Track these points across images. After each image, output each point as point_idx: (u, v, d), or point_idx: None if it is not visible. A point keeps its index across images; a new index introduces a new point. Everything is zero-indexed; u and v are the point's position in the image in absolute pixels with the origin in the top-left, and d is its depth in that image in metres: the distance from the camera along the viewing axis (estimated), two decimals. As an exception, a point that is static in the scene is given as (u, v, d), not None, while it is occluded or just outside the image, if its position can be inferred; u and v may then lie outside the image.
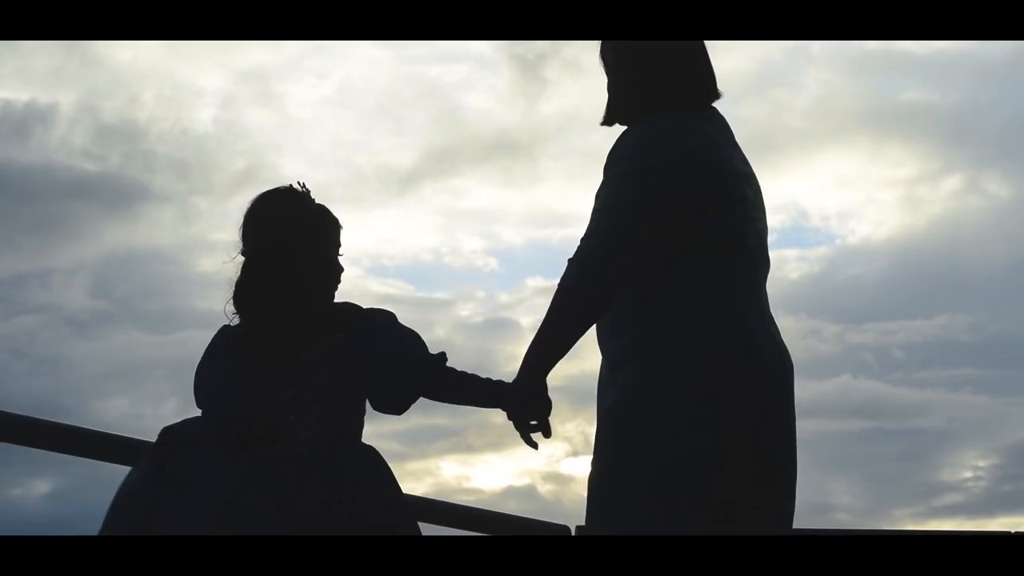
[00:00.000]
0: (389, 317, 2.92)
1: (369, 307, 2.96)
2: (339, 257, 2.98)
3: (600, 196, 2.73)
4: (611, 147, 2.79)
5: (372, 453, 2.88)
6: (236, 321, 2.95)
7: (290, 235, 2.91)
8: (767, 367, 2.69)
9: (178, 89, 15.74)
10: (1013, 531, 4.13)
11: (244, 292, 2.93)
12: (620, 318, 2.72)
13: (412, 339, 2.87)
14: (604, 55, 2.96)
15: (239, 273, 2.95)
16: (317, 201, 2.97)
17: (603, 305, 2.69)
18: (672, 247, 2.66)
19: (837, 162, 17.47)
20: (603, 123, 2.95)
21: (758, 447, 2.62)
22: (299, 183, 2.96)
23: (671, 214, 2.65)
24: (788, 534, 2.71)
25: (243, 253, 2.97)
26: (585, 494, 2.76)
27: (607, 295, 2.67)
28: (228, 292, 2.97)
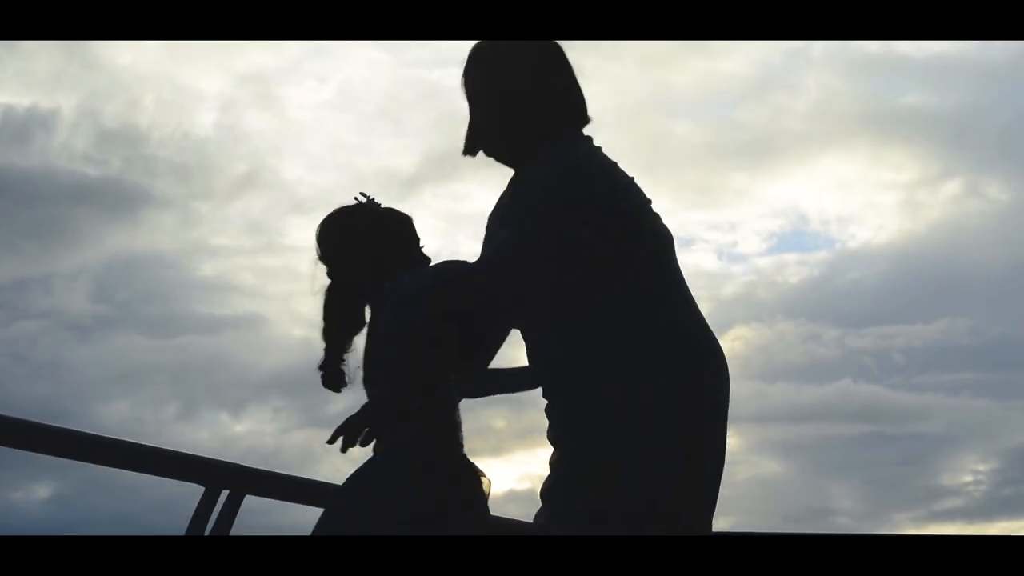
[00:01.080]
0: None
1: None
2: (420, 248, 3.06)
3: (503, 231, 2.67)
4: (511, 183, 2.76)
5: (401, 456, 2.92)
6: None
7: (349, 248, 3.04)
8: (721, 364, 2.71)
9: (178, 93, 15.77)
10: (1014, 536, 4.13)
11: (326, 318, 3.10)
12: (552, 347, 2.70)
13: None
14: (469, 80, 2.89)
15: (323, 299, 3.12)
16: (379, 207, 3.08)
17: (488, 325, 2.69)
18: (591, 275, 2.64)
19: (837, 166, 17.50)
20: (465, 153, 2.89)
21: (711, 447, 2.65)
22: (362, 195, 3.08)
23: (578, 244, 2.62)
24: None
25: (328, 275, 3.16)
26: None
27: (490, 320, 2.67)
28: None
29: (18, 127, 15.06)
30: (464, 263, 2.68)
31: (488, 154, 2.88)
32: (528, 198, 2.66)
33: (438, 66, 15.65)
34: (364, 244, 3.10)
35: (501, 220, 2.74)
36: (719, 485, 2.71)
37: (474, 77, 2.88)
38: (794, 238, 17.39)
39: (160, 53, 14.94)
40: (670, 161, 17.70)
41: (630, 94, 16.51)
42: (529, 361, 2.81)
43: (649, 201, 2.79)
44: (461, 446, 3.07)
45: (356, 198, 3.18)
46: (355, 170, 16.43)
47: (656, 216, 2.79)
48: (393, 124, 16.32)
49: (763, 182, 17.87)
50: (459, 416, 3.09)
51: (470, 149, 2.88)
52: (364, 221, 3.13)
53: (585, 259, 2.63)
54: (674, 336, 2.66)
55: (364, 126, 16.69)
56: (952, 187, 17.53)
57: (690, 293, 2.78)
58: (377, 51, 15.92)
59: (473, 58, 2.91)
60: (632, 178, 2.79)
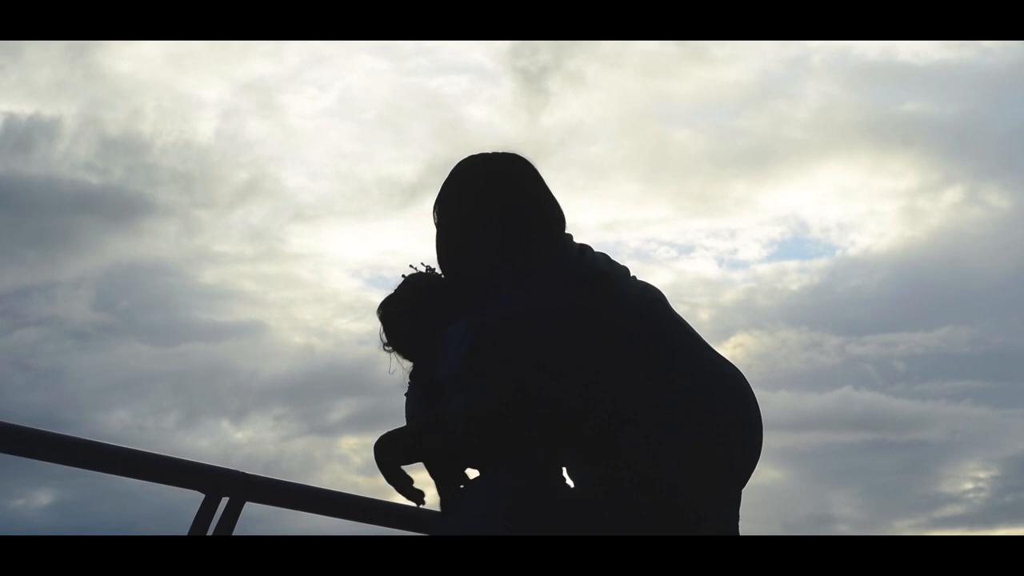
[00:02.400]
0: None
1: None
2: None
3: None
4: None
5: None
6: None
7: (398, 336, 3.03)
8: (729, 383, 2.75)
9: (180, 101, 15.83)
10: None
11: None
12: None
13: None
14: (450, 213, 2.90)
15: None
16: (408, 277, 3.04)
17: None
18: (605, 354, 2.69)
19: (837, 173, 17.55)
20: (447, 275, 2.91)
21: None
22: (412, 269, 3.03)
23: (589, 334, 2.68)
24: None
25: None
26: None
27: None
28: None
29: (21, 135, 15.11)
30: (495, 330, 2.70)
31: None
32: (539, 306, 2.68)
33: (438, 74, 15.70)
34: (410, 328, 3.05)
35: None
36: (730, 481, 2.71)
37: (454, 208, 2.89)
38: (794, 245, 17.45)
39: (161, 61, 14.99)
40: (671, 169, 17.76)
41: (631, 102, 16.56)
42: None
43: (627, 270, 2.85)
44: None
45: (403, 275, 3.11)
46: (357, 179, 16.49)
47: (635, 279, 2.84)
48: (394, 132, 16.38)
49: (763, 190, 17.93)
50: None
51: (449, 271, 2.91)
52: (407, 303, 3.07)
53: (603, 335, 2.69)
54: (674, 358, 2.69)
55: (365, 134, 16.75)
56: (952, 194, 17.58)
57: (700, 338, 2.81)
58: (376, 59, 15.97)
59: (450, 191, 2.92)
60: (606, 255, 2.85)
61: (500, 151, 2.93)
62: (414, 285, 3.04)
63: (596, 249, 2.87)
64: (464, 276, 2.88)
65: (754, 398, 2.77)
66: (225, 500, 3.71)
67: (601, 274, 2.78)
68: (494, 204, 2.84)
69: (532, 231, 2.81)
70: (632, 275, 2.84)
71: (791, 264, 17.32)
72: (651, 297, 2.81)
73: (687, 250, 17.11)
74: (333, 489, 4.15)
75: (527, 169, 2.91)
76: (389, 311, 3.07)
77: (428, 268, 3.03)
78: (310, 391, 14.78)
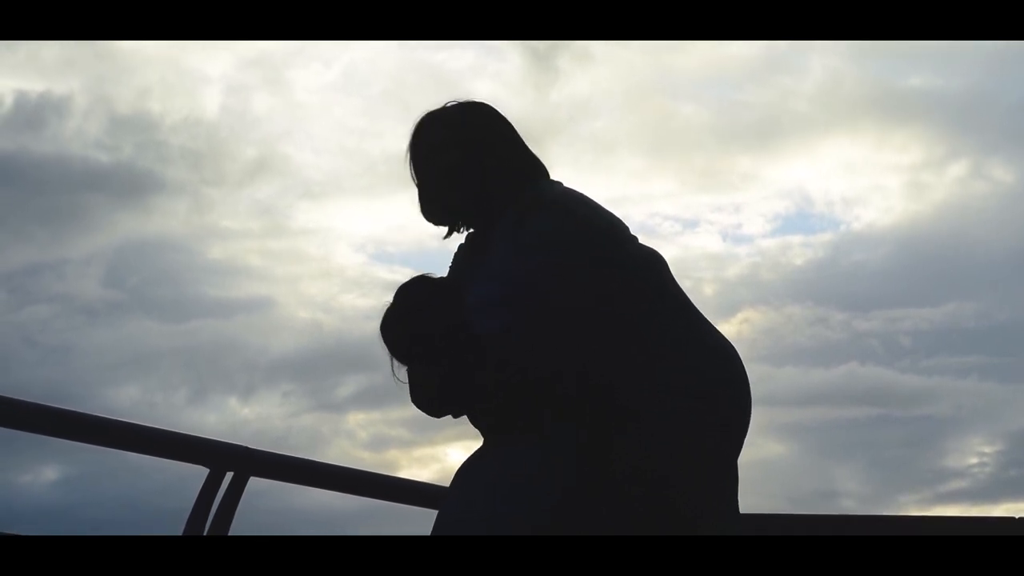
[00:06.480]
0: None
1: None
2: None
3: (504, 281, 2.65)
4: (500, 237, 2.70)
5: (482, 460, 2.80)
6: None
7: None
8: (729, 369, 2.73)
9: (189, 77, 15.80)
10: (1017, 516, 4.16)
11: None
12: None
13: None
14: (428, 155, 2.80)
15: None
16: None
17: None
18: (603, 314, 2.65)
19: (842, 148, 17.47)
20: (446, 236, 2.85)
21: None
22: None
23: (590, 289, 2.64)
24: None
25: None
26: None
27: None
28: None
29: (31, 113, 15.10)
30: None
31: (465, 223, 2.82)
32: (539, 250, 2.64)
33: (442, 47, 15.63)
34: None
35: (493, 269, 2.69)
36: (721, 471, 2.70)
37: (434, 149, 2.79)
38: (799, 220, 17.38)
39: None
40: (675, 143, 17.67)
41: (636, 76, 16.49)
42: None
43: (627, 228, 2.78)
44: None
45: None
46: (364, 154, 16.45)
47: (637, 241, 2.79)
48: (400, 108, 16.31)
49: (768, 164, 17.86)
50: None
51: (445, 222, 2.83)
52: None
53: (596, 300, 2.64)
54: (666, 330, 2.68)
55: (371, 109, 16.68)
56: (957, 169, 17.50)
57: (694, 307, 2.77)
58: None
59: (424, 132, 2.82)
60: (610, 212, 2.79)
61: (460, 101, 2.83)
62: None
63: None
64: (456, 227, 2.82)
65: (744, 371, 2.75)
66: (229, 475, 3.74)
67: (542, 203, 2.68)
68: (471, 149, 2.76)
69: (510, 180, 2.75)
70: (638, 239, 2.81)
71: (795, 239, 17.27)
72: (652, 255, 2.77)
73: (692, 224, 17.07)
74: (338, 464, 4.18)
75: (492, 112, 2.83)
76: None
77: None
78: (317, 367, 14.82)
